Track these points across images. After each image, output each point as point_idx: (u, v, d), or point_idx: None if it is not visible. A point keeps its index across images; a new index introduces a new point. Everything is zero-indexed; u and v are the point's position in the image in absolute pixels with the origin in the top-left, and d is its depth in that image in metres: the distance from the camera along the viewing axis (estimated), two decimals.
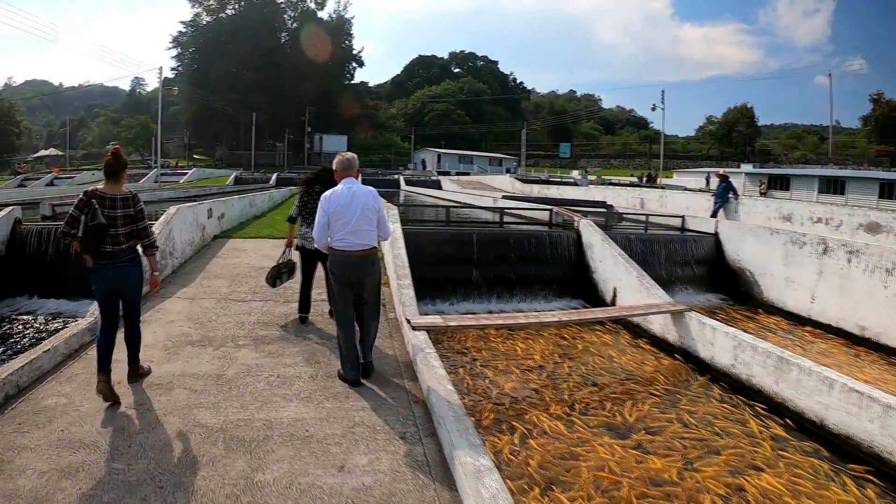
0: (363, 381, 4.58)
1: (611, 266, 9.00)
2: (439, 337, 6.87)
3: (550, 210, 11.89)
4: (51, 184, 38.06)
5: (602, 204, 17.90)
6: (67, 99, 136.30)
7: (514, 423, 4.78)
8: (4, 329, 7.70)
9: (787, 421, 5.05)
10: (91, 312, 5.87)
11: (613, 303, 8.70)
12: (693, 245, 11.25)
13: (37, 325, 7.87)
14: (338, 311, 4.65)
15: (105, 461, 3.31)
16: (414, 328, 5.50)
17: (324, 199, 4.42)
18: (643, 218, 13.04)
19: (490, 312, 8.78)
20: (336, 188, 4.50)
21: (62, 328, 7.03)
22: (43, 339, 7.18)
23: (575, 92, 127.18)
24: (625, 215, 14.73)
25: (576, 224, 10.47)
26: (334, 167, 4.70)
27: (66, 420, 3.83)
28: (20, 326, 7.83)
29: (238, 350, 5.25)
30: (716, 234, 11.60)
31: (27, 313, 8.39)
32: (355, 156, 4.73)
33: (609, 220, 12.56)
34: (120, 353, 4.32)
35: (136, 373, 4.49)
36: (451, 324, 5.95)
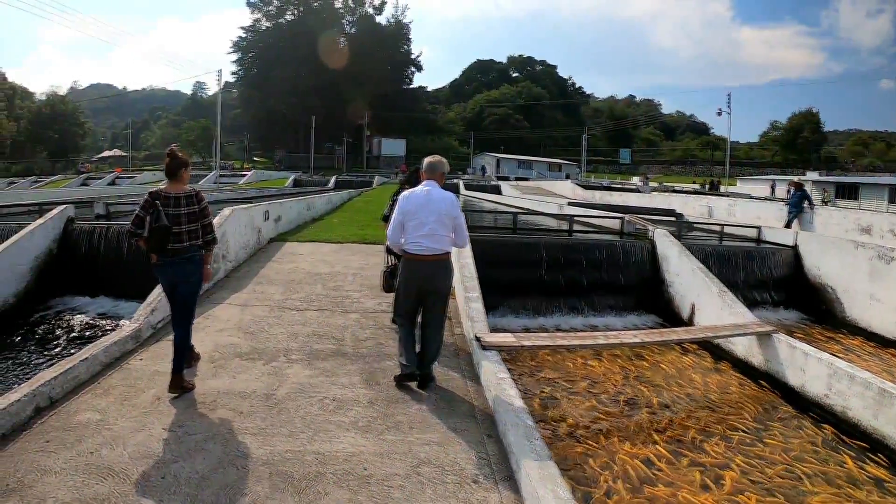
0: (427, 411, 4.13)
1: (689, 280, 8.58)
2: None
3: (621, 219, 11.54)
4: (113, 183, 40.88)
5: (671, 212, 17.66)
6: (131, 102, 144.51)
7: (596, 463, 4.33)
8: (51, 328, 7.77)
9: (888, 460, 4.64)
10: (135, 318, 5.68)
11: (691, 320, 8.32)
12: (770, 258, 10.79)
13: (83, 326, 7.91)
14: (401, 317, 4.66)
15: (134, 494, 2.97)
16: (484, 347, 5.06)
17: (401, 199, 4.51)
18: (714, 228, 12.82)
19: (559, 328, 8.48)
20: (415, 189, 4.57)
21: (103, 334, 7.01)
22: (89, 338, 7.20)
23: (634, 97, 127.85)
24: (695, 225, 14.36)
25: (650, 234, 10.10)
26: (422, 168, 4.74)
27: (96, 440, 3.54)
28: (66, 326, 7.90)
29: (290, 366, 4.89)
30: (794, 247, 11.09)
31: (76, 312, 8.48)
32: (442, 160, 4.70)
33: (679, 229, 12.08)
34: (163, 364, 4.03)
35: (179, 384, 4.27)
36: (525, 343, 5.48)
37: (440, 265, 4.41)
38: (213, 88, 75.26)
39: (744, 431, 5.06)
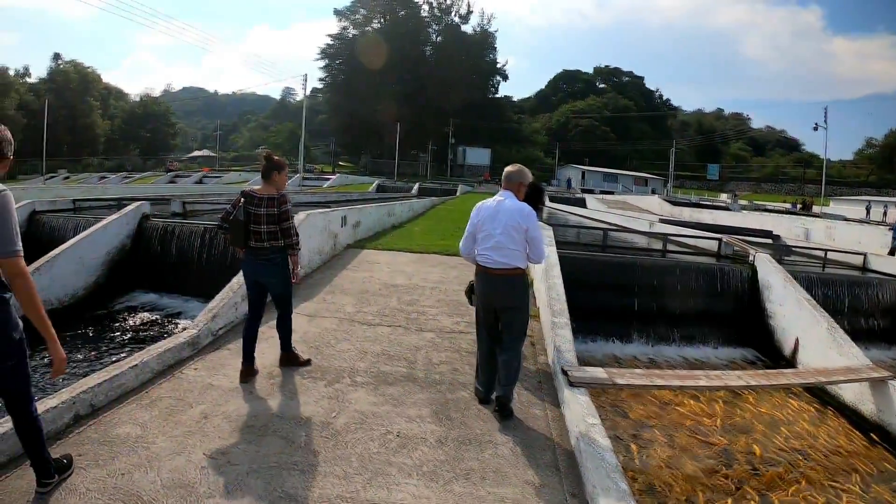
0: (504, 457, 3.63)
1: (794, 312, 7.91)
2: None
3: (719, 240, 11.09)
4: (199, 181, 43.91)
5: (767, 233, 17.13)
6: (221, 105, 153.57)
7: None
8: (114, 324, 7.92)
9: None
10: (195, 324, 5.54)
11: (794, 357, 7.71)
12: (879, 289, 9.86)
13: (147, 324, 8.04)
14: (477, 334, 4.62)
15: None
16: (572, 383, 4.51)
17: (474, 209, 4.52)
18: (815, 252, 12.55)
19: (649, 358, 8.07)
20: (488, 199, 4.54)
21: (166, 335, 6.98)
22: (150, 338, 7.23)
23: (722, 110, 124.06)
24: (793, 248, 13.77)
25: (750, 258, 9.45)
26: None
27: (131, 460, 3.30)
28: (130, 323, 8.05)
29: (354, 389, 4.54)
30: None
31: (142, 310, 8.66)
32: (522, 170, 4.61)
33: (776, 253, 11.37)
34: (218, 376, 3.76)
35: (287, 358, 5.01)
36: (619, 381, 4.89)
37: (508, 281, 4.28)
38: (300, 94, 79.14)
39: (856, 493, 4.52)
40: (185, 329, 5.56)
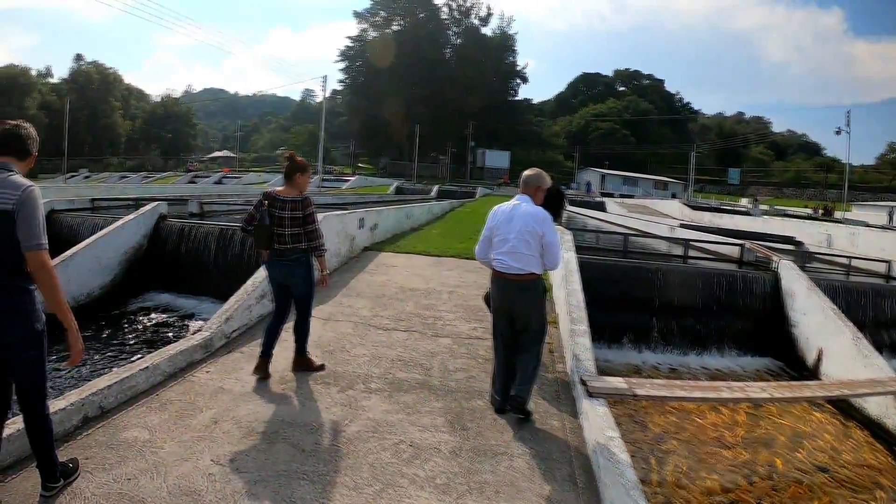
0: (519, 470, 3.53)
1: (817, 321, 7.79)
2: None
3: (741, 245, 10.91)
4: (219, 182, 44.41)
5: (789, 240, 16.94)
6: (242, 106, 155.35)
7: None
8: (129, 325, 7.96)
9: None
10: (207, 326, 5.51)
11: (816, 367, 7.59)
12: None
13: (162, 325, 8.06)
14: (494, 341, 4.58)
15: None
16: (591, 394, 4.39)
17: (490, 213, 4.53)
18: (838, 259, 12.33)
19: (669, 366, 7.97)
20: (504, 202, 4.54)
21: (180, 336, 6.98)
22: (163, 339, 7.23)
23: (743, 114, 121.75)
24: (816, 255, 13.50)
25: (773, 265, 9.34)
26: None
27: (138, 465, 3.26)
28: (145, 324, 8.08)
29: (368, 396, 4.47)
30: None
31: (158, 310, 8.69)
32: (540, 174, 4.58)
33: (798, 260, 11.11)
34: (230, 380, 3.71)
35: (301, 362, 4.98)
36: (639, 392, 4.74)
37: (523, 286, 4.27)
38: (320, 95, 79.98)
39: None
40: (197, 331, 5.53)
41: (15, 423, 3.32)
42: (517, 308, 4.34)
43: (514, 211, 4.35)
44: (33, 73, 74.10)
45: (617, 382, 4.83)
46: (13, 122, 2.87)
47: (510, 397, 4.32)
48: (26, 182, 2.74)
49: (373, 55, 79.33)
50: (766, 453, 5.17)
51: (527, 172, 4.59)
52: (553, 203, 4.80)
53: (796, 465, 5.00)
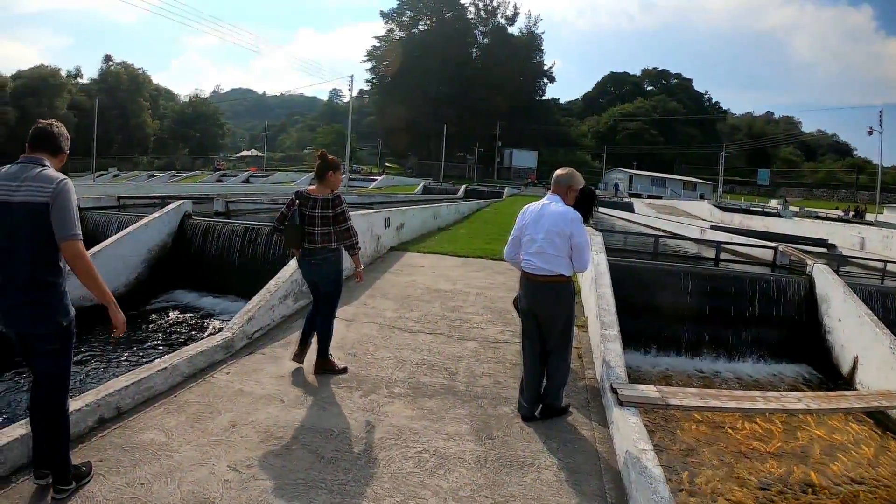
0: (547, 483, 3.38)
1: (854, 328, 7.54)
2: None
3: (775, 248, 10.63)
4: (247, 181, 45.53)
5: (822, 242, 16.60)
6: (270, 106, 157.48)
7: None
8: (152, 324, 7.99)
9: None
10: (229, 327, 5.46)
11: (852, 376, 7.41)
12: None
13: (185, 324, 8.08)
14: (523, 345, 4.50)
15: None
16: (622, 403, 4.22)
17: (520, 213, 4.50)
18: (872, 263, 12.07)
19: (700, 372, 7.87)
20: (534, 202, 4.52)
21: (204, 335, 6.96)
22: (186, 339, 7.23)
23: (772, 114, 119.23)
24: (849, 259, 13.07)
25: (808, 269, 9.10)
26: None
27: (153, 469, 3.19)
28: (168, 323, 8.10)
29: (391, 401, 4.36)
30: None
31: (181, 309, 8.71)
32: (571, 173, 4.49)
33: (838, 264, 10.98)
34: (250, 382, 3.62)
35: (323, 365, 4.90)
36: (672, 401, 4.61)
37: (551, 288, 4.20)
38: (347, 95, 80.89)
39: None
40: (219, 331, 5.48)
41: (27, 424, 3.29)
42: (544, 310, 4.27)
43: (543, 210, 4.30)
44: (63, 73, 75.90)
45: (649, 391, 4.69)
46: (46, 122, 3.00)
47: (542, 406, 4.29)
48: (60, 175, 2.84)
49: (400, 55, 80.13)
50: (801, 466, 5.00)
51: (559, 172, 4.51)
52: (584, 204, 4.75)
53: (832, 478, 4.83)
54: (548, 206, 4.31)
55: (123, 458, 3.29)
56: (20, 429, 3.22)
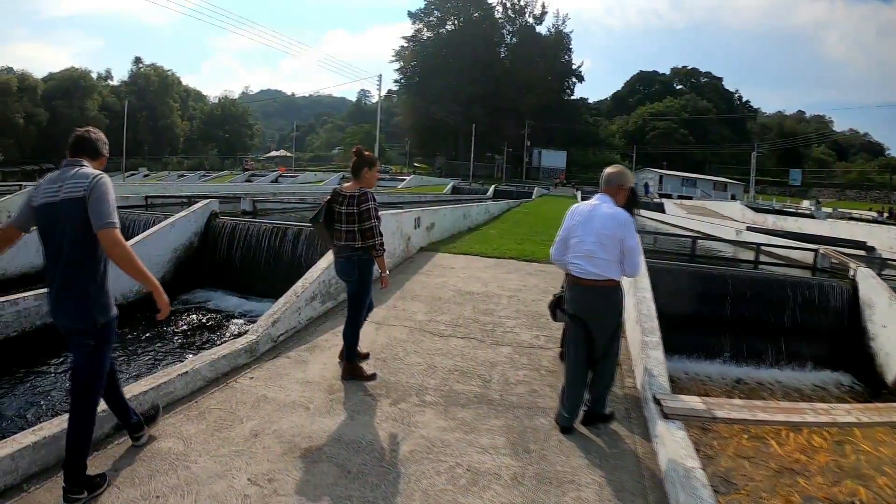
0: (588, 502, 3.14)
1: None
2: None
3: (815, 251, 10.30)
4: (276, 181, 46.56)
5: (860, 244, 15.88)
6: (298, 107, 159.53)
7: None
8: (176, 324, 7.91)
9: None
10: (254, 330, 5.32)
11: None
12: None
13: (209, 324, 8.03)
14: (567, 350, 4.35)
15: None
16: (667, 416, 3.98)
17: (568, 212, 4.36)
18: None
19: (741, 380, 7.56)
20: (583, 202, 4.37)
21: (228, 337, 6.86)
22: (211, 340, 7.14)
23: (804, 112, 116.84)
24: (888, 261, 12.51)
25: (851, 273, 8.71)
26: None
27: (169, 480, 3.05)
28: (192, 323, 8.04)
29: (422, 410, 4.16)
30: None
31: (207, 310, 8.65)
32: (623, 172, 4.38)
33: (881, 267, 10.53)
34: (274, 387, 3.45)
35: (351, 370, 4.75)
36: (718, 414, 4.35)
37: (599, 293, 4.05)
38: (376, 96, 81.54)
39: None
40: (243, 334, 5.34)
41: (41, 430, 3.21)
42: (594, 316, 4.10)
43: (594, 212, 4.14)
44: (94, 75, 77.79)
45: (694, 402, 4.42)
46: (84, 128, 3.20)
47: (585, 413, 4.18)
48: (96, 171, 3.00)
49: (428, 55, 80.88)
50: (848, 481, 4.68)
51: (608, 170, 4.36)
52: (626, 203, 4.49)
53: (882, 495, 4.50)
54: (599, 208, 4.15)
55: (139, 468, 3.17)
56: (31, 436, 3.12)
